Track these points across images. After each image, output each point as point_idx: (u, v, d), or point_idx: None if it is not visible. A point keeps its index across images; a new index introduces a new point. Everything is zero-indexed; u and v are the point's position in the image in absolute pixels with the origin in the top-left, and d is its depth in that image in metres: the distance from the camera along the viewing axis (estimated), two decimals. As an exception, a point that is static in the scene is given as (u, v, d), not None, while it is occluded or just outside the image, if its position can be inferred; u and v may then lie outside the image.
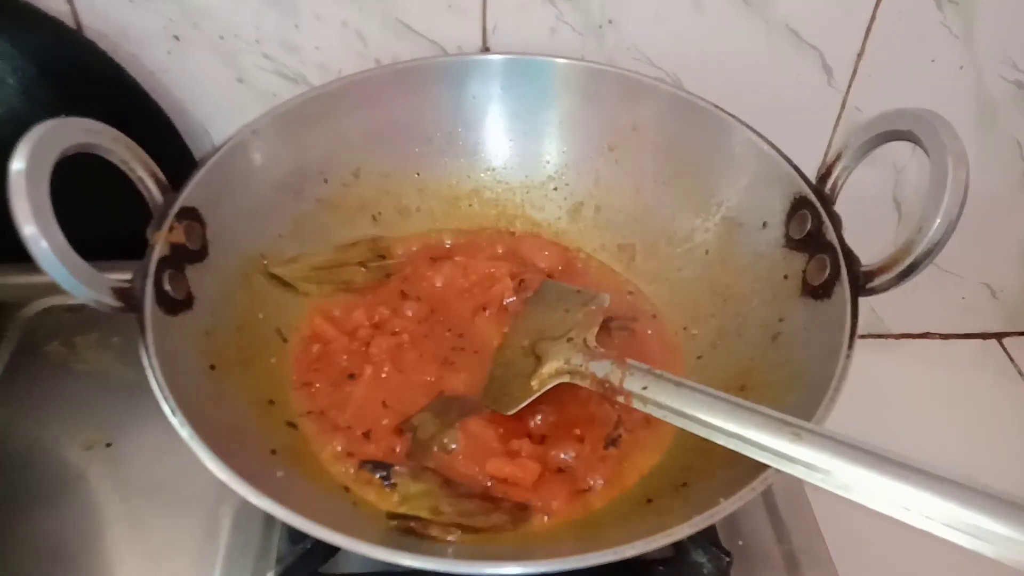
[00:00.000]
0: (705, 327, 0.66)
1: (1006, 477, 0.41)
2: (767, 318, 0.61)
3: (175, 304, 0.54)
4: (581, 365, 0.57)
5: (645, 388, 0.53)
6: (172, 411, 0.47)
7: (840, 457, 0.43)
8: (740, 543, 0.63)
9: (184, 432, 0.46)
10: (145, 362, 0.49)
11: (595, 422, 0.60)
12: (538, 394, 0.58)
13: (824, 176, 0.61)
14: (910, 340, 1.02)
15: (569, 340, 0.60)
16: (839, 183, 0.60)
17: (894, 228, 0.92)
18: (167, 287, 0.54)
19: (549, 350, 0.60)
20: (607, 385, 0.55)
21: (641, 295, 0.71)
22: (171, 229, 0.55)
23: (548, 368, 0.59)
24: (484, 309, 0.66)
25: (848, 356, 0.51)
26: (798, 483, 0.48)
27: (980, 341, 1.02)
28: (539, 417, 0.60)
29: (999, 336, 1.02)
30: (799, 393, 0.54)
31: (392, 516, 0.51)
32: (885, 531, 0.58)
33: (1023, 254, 0.94)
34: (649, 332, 0.68)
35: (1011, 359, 1.00)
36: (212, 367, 0.55)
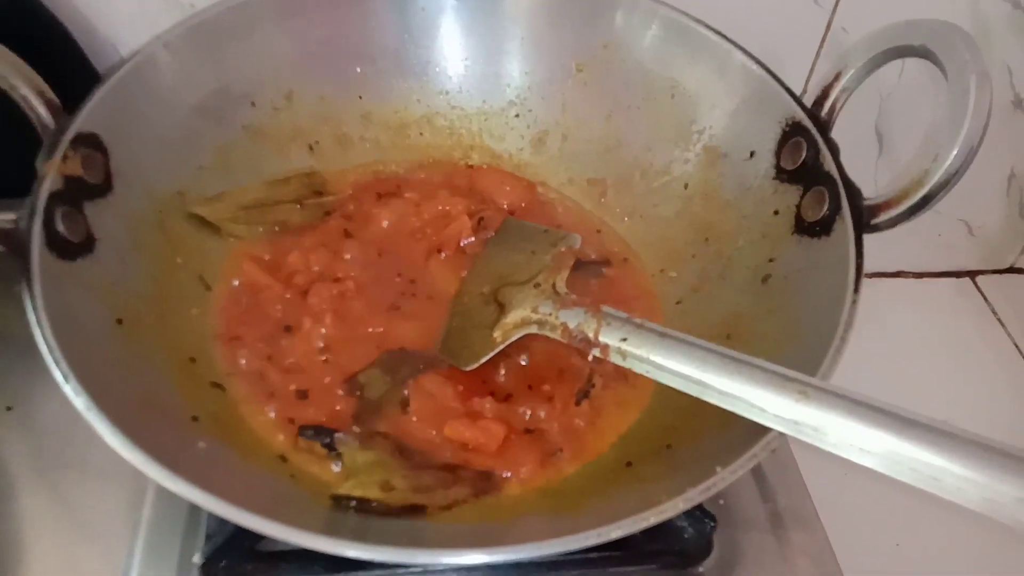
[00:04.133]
0: (685, 269, 0.60)
1: (980, 420, 0.37)
2: (756, 259, 0.55)
3: (71, 248, 0.46)
4: (550, 314, 0.50)
5: (624, 340, 0.46)
6: (64, 376, 0.39)
7: (854, 418, 0.38)
8: (721, 502, 0.58)
9: (79, 402, 0.38)
10: (31, 316, 0.41)
11: (565, 376, 0.54)
12: (502, 347, 0.52)
13: (820, 99, 0.55)
14: (883, 279, 0.98)
15: (536, 286, 0.53)
16: (837, 107, 0.54)
17: (874, 162, 0.86)
18: (60, 227, 0.46)
19: (513, 297, 0.53)
20: (580, 337, 0.48)
21: (613, 235, 0.65)
22: (65, 158, 0.47)
23: (512, 317, 0.52)
24: (439, 251, 0.60)
25: (854, 301, 0.46)
26: (783, 438, 0.42)
27: (954, 280, 0.98)
28: (503, 372, 0.53)
29: (973, 274, 0.99)
30: (795, 343, 0.48)
31: (334, 499, 0.44)
32: (875, 489, 0.54)
33: (1004, 189, 0.90)
34: (623, 276, 0.62)
35: (985, 298, 0.97)
36: (119, 321, 0.47)
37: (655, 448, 0.48)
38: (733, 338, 0.53)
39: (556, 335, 0.50)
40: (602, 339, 0.47)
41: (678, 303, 0.59)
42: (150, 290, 0.51)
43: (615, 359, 0.47)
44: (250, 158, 0.61)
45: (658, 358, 0.45)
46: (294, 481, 0.46)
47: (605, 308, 0.49)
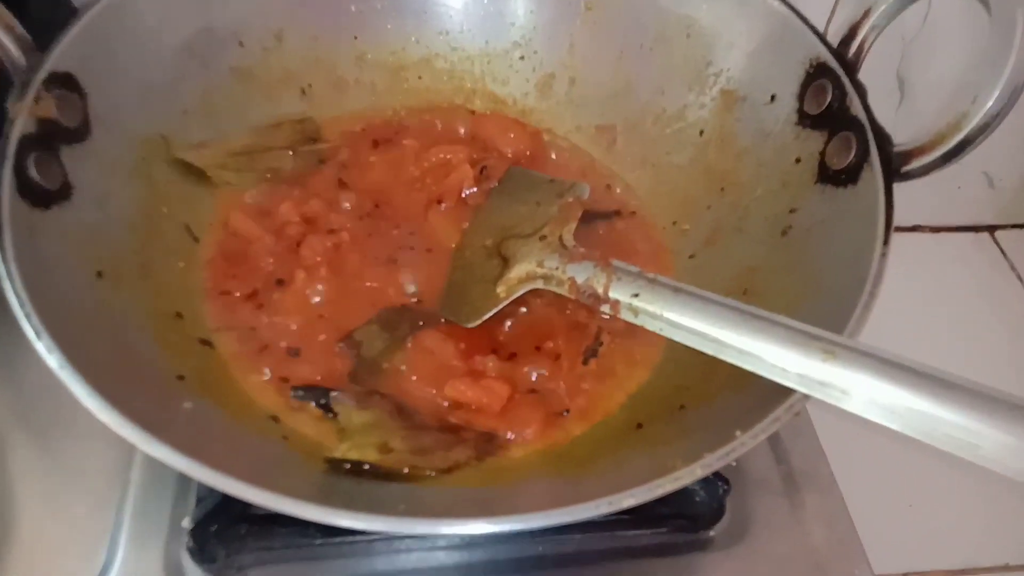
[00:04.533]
0: (699, 221, 0.57)
1: (995, 377, 0.34)
2: (775, 210, 0.52)
3: (45, 195, 0.43)
4: (557, 268, 0.48)
5: (636, 296, 0.43)
6: (36, 332, 0.36)
7: (887, 379, 0.35)
8: (734, 464, 0.55)
9: (52, 360, 0.36)
10: (0, 268, 0.38)
11: (572, 333, 0.51)
12: (505, 303, 0.49)
13: (847, 38, 0.51)
14: (899, 234, 0.94)
15: (542, 238, 0.50)
16: (865, 47, 0.51)
17: (893, 110, 0.82)
18: (33, 173, 0.43)
19: (518, 250, 0.50)
20: (589, 293, 0.45)
21: (623, 185, 0.61)
22: (38, 100, 0.44)
23: (517, 272, 0.49)
24: (439, 202, 0.57)
25: (883, 255, 0.43)
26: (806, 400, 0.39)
27: (972, 234, 0.95)
28: (506, 329, 0.51)
29: (992, 229, 0.96)
30: (817, 299, 0.45)
31: (329, 462, 0.42)
32: (889, 447, 0.51)
33: (1030, 138, 0.86)
34: (633, 229, 0.59)
35: (1004, 253, 0.93)
36: (99, 274, 0.45)
37: (667, 409, 0.46)
38: (750, 294, 0.50)
39: (563, 290, 0.47)
40: (612, 295, 0.45)
41: (691, 257, 0.56)
42: (133, 242, 0.49)
43: (626, 316, 0.44)
44: (238, 103, 0.58)
45: (672, 314, 0.42)
46: (287, 443, 0.44)
47: (615, 262, 0.46)
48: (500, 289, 0.50)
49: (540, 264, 0.49)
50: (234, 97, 0.58)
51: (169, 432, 0.36)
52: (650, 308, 0.43)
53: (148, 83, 0.52)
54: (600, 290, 0.45)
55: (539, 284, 0.49)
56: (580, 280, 0.47)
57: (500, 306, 0.49)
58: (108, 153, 0.48)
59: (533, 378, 0.49)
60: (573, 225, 0.51)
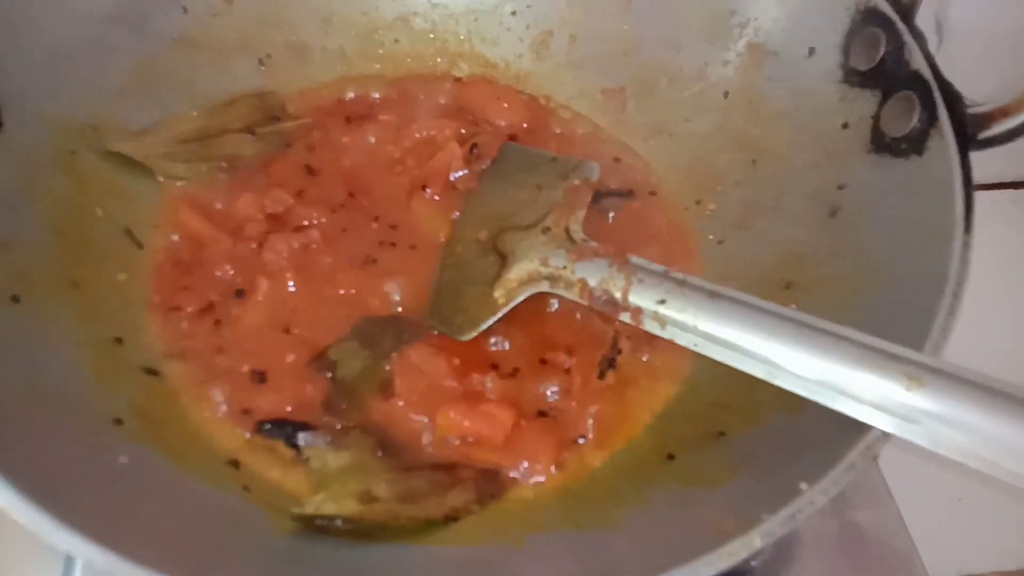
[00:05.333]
0: (727, 200, 0.50)
1: None
2: (819, 185, 0.45)
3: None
4: (564, 267, 0.41)
5: (663, 302, 0.36)
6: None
7: (997, 416, 0.27)
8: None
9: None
10: None
11: (585, 341, 0.44)
12: (505, 311, 0.42)
13: (903, -23, 0.42)
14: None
15: (545, 230, 0.43)
16: (925, -13, 0.42)
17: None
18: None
19: (517, 245, 0.43)
20: (604, 298, 0.38)
21: (636, 158, 0.54)
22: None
23: (517, 272, 0.42)
24: (423, 188, 0.50)
25: (966, 244, 0.35)
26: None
27: (1011, 192, 0.87)
28: (506, 341, 0.43)
29: (1034, 184, 0.88)
30: (880, 296, 0.39)
31: (299, 520, 0.35)
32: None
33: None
34: (649, 211, 0.51)
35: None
36: (14, 299, 0.37)
37: (703, 435, 0.39)
38: (795, 287, 0.43)
39: (573, 295, 0.40)
40: (633, 300, 0.37)
41: (720, 243, 0.49)
42: (58, 253, 0.42)
43: (651, 327, 0.37)
44: (184, 78, 0.51)
45: (709, 326, 0.35)
46: (248, 496, 0.36)
47: (634, 259, 0.39)
48: (498, 294, 0.42)
49: (544, 262, 0.42)
50: (179, 72, 0.50)
51: (90, 504, 0.29)
52: (681, 318, 0.36)
53: (70, 58, 0.46)
54: (618, 295, 0.38)
55: (544, 287, 0.42)
56: (593, 282, 0.39)
57: (499, 315, 0.42)
58: (22, 146, 0.42)
59: (541, 397, 0.42)
60: (582, 214, 0.44)
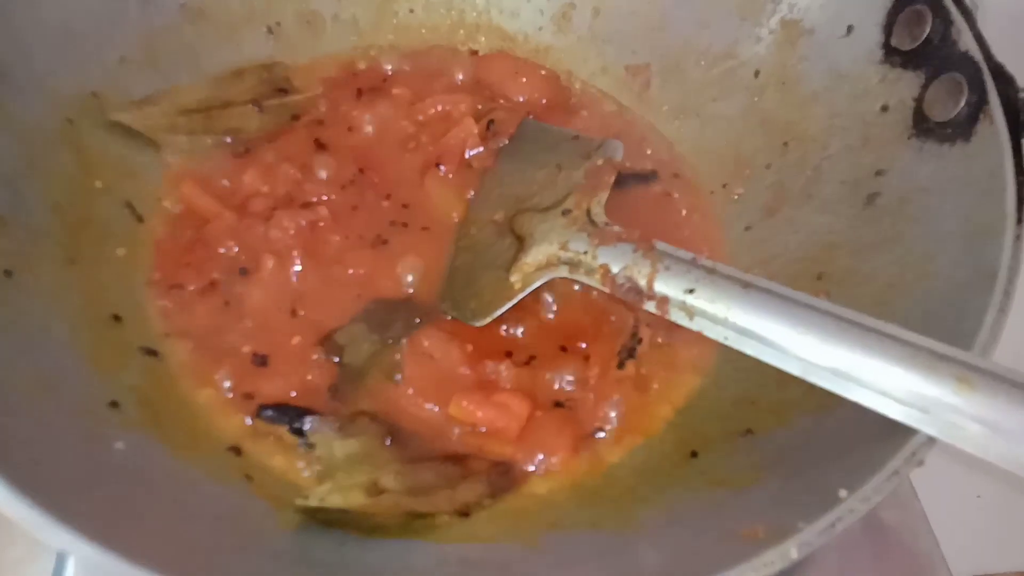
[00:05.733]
0: (756, 185, 0.48)
1: None
2: (856, 171, 0.43)
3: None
4: (585, 252, 0.39)
5: (691, 292, 0.34)
6: None
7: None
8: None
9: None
10: None
11: (603, 329, 0.42)
12: (521, 296, 0.40)
13: (950, -49, 0.40)
14: None
15: (565, 213, 0.41)
16: (974, -38, 0.40)
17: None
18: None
19: (535, 228, 0.42)
20: (628, 286, 0.36)
21: (661, 140, 0.52)
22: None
23: (534, 256, 0.40)
24: (437, 165, 0.48)
25: (1018, 237, 0.33)
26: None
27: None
28: (522, 327, 0.41)
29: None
30: (922, 292, 0.37)
31: (304, 512, 0.33)
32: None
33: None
34: (674, 194, 0.49)
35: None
36: (7, 273, 0.35)
37: (728, 432, 0.37)
38: (827, 279, 0.41)
39: (594, 281, 0.38)
40: (659, 289, 0.35)
41: (747, 229, 0.47)
42: (56, 227, 0.40)
43: (678, 318, 0.35)
44: (190, 47, 0.49)
45: (742, 319, 0.33)
46: (250, 486, 0.35)
47: (659, 245, 0.37)
48: (515, 278, 0.40)
49: (564, 246, 0.40)
50: (185, 41, 0.49)
51: (85, 498, 0.27)
52: (711, 309, 0.34)
53: (72, 26, 0.43)
54: (643, 283, 0.36)
55: (563, 272, 0.40)
56: (616, 268, 0.37)
57: (515, 300, 0.40)
58: (21, 115, 0.40)
59: (556, 388, 0.40)
60: (604, 195, 0.42)
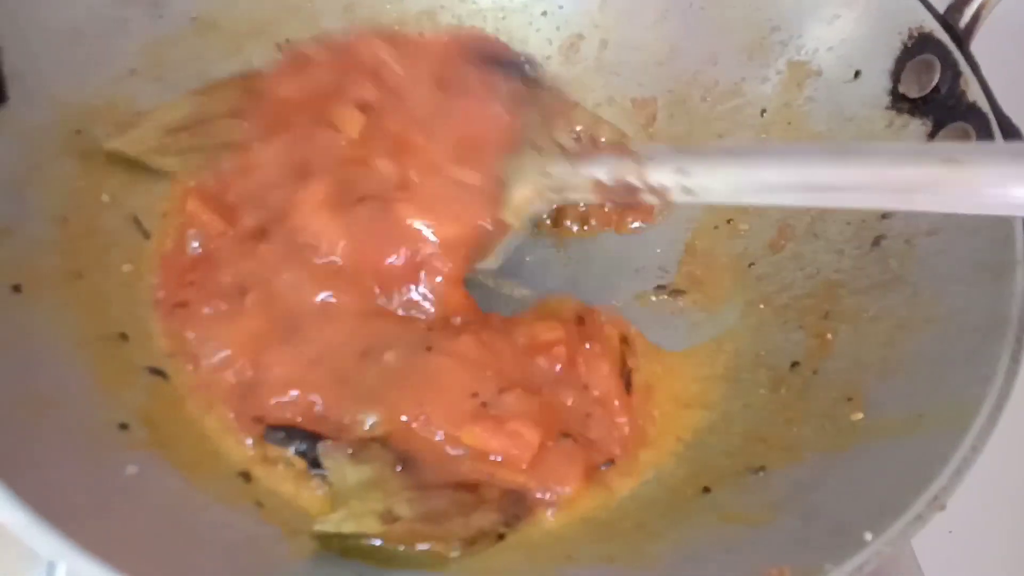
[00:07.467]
0: (760, 223, 0.48)
1: None
2: (860, 212, 0.43)
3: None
4: (570, 172, 0.40)
5: (681, 171, 0.36)
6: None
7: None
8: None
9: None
10: None
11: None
12: (520, 233, 0.42)
13: (959, 3, 0.41)
14: None
15: (536, 147, 0.43)
16: (981, 15, 0.41)
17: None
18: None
19: (511, 167, 0.42)
20: (623, 186, 0.38)
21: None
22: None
23: (520, 190, 0.42)
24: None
25: (1031, 287, 0.34)
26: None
27: None
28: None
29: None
30: (929, 332, 0.37)
31: (319, 539, 0.32)
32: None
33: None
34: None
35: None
36: (15, 288, 0.34)
37: (740, 469, 0.37)
38: (833, 317, 0.42)
39: (588, 196, 0.40)
40: (652, 179, 0.37)
41: (751, 265, 0.47)
42: (62, 241, 0.39)
43: (680, 198, 0.37)
44: (198, 60, 0.47)
45: (739, 176, 0.36)
46: (262, 513, 0.34)
47: (634, 144, 0.41)
48: (507, 216, 0.41)
49: (545, 174, 0.41)
50: (194, 53, 0.47)
51: (101, 524, 0.26)
52: (708, 181, 0.36)
53: (82, 35, 0.43)
54: (634, 179, 0.37)
55: (553, 198, 0.41)
56: (604, 176, 0.39)
57: (512, 236, 0.42)
58: (29, 124, 0.39)
59: (566, 417, 0.40)
60: (562, 122, 0.45)
